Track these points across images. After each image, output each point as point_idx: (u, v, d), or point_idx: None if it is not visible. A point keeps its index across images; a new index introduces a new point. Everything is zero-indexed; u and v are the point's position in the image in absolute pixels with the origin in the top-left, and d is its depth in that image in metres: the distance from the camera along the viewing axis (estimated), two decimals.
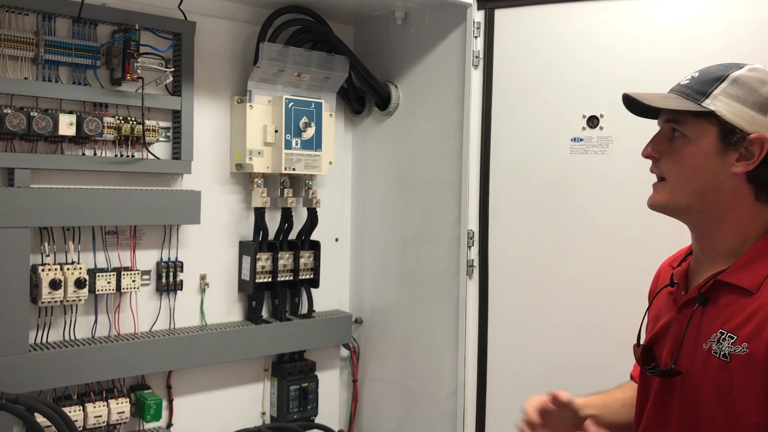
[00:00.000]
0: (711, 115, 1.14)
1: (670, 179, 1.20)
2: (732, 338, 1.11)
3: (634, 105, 1.26)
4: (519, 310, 2.19)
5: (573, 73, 2.08)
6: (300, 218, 2.53)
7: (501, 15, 2.19)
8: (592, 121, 2.05)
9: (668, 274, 1.37)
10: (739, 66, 1.18)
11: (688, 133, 1.17)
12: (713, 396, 1.13)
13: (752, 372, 1.08)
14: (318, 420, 2.58)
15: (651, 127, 1.92)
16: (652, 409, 1.26)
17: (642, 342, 1.33)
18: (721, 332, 1.13)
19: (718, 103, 1.14)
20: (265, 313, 2.50)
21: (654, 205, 1.24)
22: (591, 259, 2.06)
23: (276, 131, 2.35)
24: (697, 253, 1.28)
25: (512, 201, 2.19)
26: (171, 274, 2.24)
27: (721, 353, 1.12)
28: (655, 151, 1.22)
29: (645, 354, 1.28)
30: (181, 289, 2.28)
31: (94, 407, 2.06)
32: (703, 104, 1.15)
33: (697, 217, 1.20)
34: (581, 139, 2.06)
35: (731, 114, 1.13)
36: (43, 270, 1.97)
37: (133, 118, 2.11)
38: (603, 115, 2.03)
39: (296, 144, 2.37)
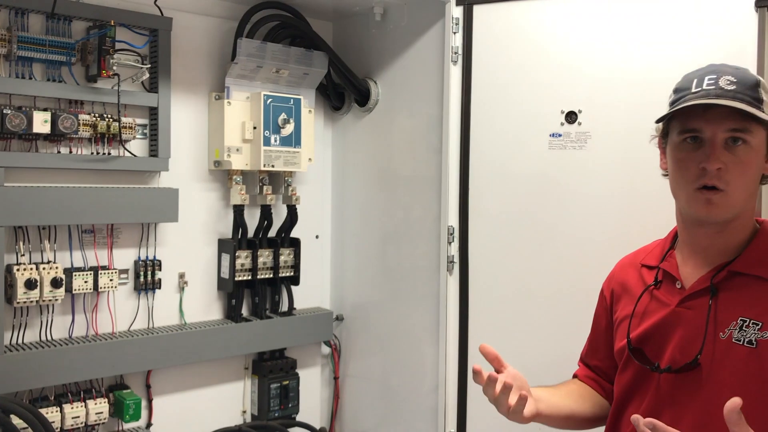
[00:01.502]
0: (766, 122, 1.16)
1: (733, 189, 1.17)
2: (757, 324, 1.14)
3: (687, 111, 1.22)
4: (499, 305, 2.20)
5: (551, 69, 2.08)
6: (280, 215, 2.52)
7: (479, 11, 2.19)
8: (571, 117, 2.06)
9: (637, 272, 1.37)
10: (737, 68, 1.21)
11: (752, 142, 1.16)
12: (739, 383, 1.14)
13: None
14: (299, 418, 2.57)
15: (629, 122, 1.94)
16: (655, 406, 1.25)
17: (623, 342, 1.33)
18: (741, 320, 1.15)
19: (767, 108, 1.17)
20: (245, 311, 2.49)
21: (719, 214, 1.20)
22: (570, 255, 2.07)
23: (254, 128, 2.34)
24: (695, 248, 1.28)
25: (492, 196, 2.20)
26: (149, 272, 2.22)
27: (746, 340, 1.14)
28: (721, 162, 1.17)
29: (639, 354, 1.28)
30: (160, 288, 2.26)
31: (72, 408, 2.04)
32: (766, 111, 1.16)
33: (735, 216, 1.22)
34: (560, 135, 2.07)
35: None
36: (18, 270, 1.94)
37: (109, 115, 2.09)
38: (581, 110, 2.04)
39: (275, 141, 2.35)
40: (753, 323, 1.13)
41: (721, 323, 1.18)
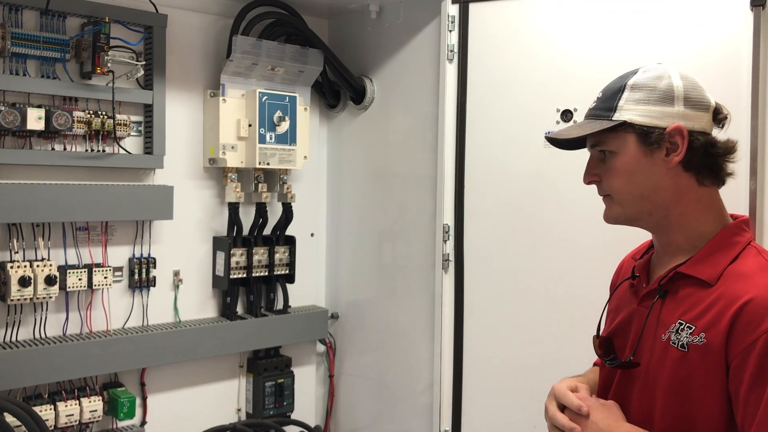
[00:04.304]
0: (625, 125, 1.19)
1: (614, 193, 1.25)
2: (690, 328, 1.14)
3: (560, 143, 1.32)
4: (494, 303, 2.20)
5: (547, 67, 2.08)
6: (275, 213, 2.52)
7: (475, 9, 2.19)
8: (566, 115, 2.06)
9: (630, 266, 1.39)
10: (634, 72, 1.23)
11: (613, 149, 1.22)
12: (670, 386, 1.16)
13: (709, 362, 1.10)
14: (294, 416, 2.57)
15: None
16: (614, 397, 1.27)
17: (601, 334, 1.34)
18: (680, 323, 1.16)
19: (625, 112, 1.20)
20: (240, 309, 2.49)
21: (609, 219, 1.29)
22: (565, 253, 2.07)
23: (250, 125, 2.33)
24: (657, 247, 1.31)
25: (487, 195, 2.20)
26: (143, 270, 2.22)
27: (680, 343, 1.15)
28: (593, 175, 1.28)
29: (604, 346, 1.30)
30: (154, 286, 2.25)
31: (66, 406, 2.03)
32: (613, 118, 1.20)
33: (650, 218, 1.25)
34: None
35: (641, 117, 1.18)
36: (12, 267, 1.93)
37: (103, 113, 2.08)
38: (577, 109, 2.04)
39: (270, 138, 2.35)
40: (687, 327, 1.14)
41: (663, 325, 1.19)
